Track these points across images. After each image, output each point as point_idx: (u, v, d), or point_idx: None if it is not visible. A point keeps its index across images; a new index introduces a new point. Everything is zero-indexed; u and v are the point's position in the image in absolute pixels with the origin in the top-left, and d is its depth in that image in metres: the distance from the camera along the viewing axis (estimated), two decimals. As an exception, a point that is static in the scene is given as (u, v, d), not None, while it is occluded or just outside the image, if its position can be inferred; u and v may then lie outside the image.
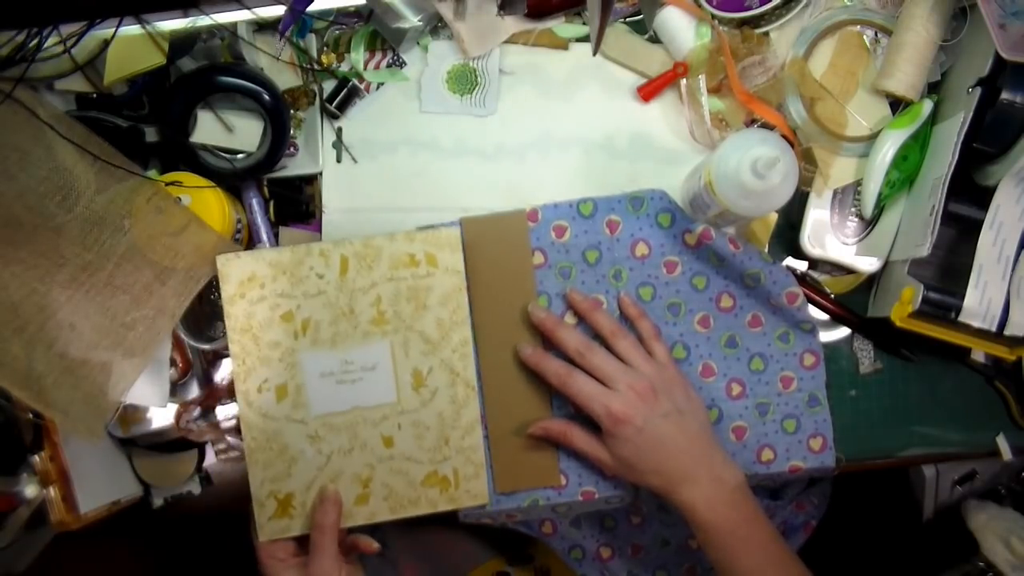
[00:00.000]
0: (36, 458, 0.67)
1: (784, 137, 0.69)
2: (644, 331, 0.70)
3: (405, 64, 0.75)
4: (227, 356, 0.74)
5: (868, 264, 0.73)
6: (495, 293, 0.71)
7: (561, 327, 0.69)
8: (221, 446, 0.77)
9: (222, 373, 0.74)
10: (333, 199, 0.75)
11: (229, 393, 0.75)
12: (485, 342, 0.71)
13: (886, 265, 0.73)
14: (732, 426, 0.73)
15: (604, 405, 0.64)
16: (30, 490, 0.68)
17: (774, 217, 0.74)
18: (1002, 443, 0.76)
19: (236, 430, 0.76)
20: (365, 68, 0.75)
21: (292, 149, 0.75)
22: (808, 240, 0.73)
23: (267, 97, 0.70)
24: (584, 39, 0.75)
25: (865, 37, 0.72)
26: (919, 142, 0.69)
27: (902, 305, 0.66)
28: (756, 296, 0.73)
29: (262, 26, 0.73)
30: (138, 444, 0.77)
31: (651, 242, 0.72)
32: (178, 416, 0.74)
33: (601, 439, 0.67)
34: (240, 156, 0.72)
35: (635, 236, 0.72)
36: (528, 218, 0.72)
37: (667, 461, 0.65)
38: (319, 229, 0.75)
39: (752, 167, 0.60)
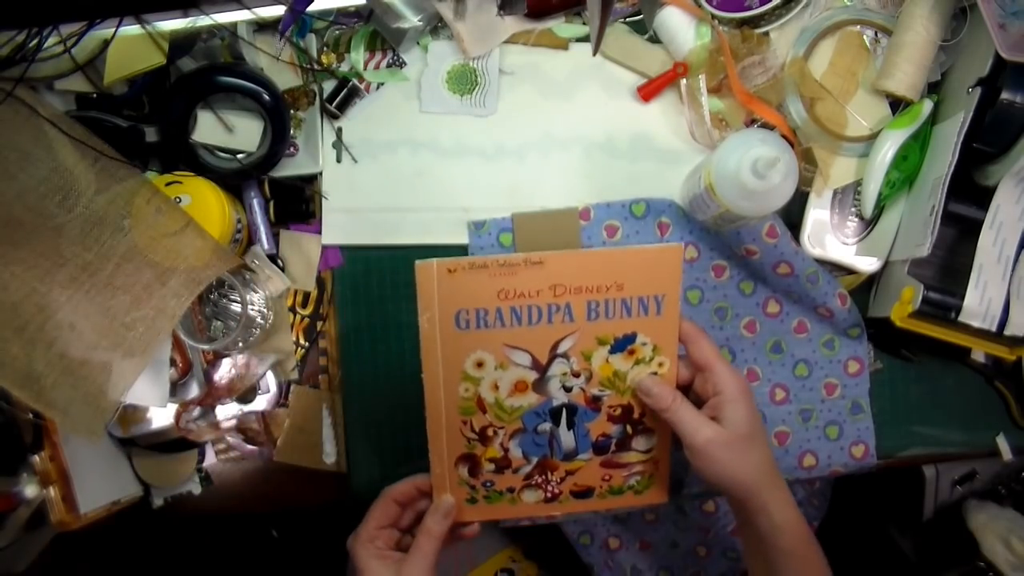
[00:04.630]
0: (36, 458, 0.67)
1: (784, 137, 0.69)
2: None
3: (405, 64, 0.75)
4: (227, 356, 0.74)
5: (868, 264, 0.73)
6: None
7: None
8: (221, 446, 0.77)
9: (222, 373, 0.74)
10: (333, 199, 0.75)
11: (229, 393, 0.75)
12: None
13: (886, 265, 0.73)
14: (775, 431, 0.74)
15: (736, 369, 0.60)
16: (30, 490, 0.68)
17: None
18: (1002, 443, 0.76)
19: (236, 430, 0.76)
20: (365, 68, 0.75)
21: (292, 149, 0.75)
22: (808, 240, 0.73)
23: (267, 97, 0.70)
24: (584, 39, 0.75)
25: (865, 37, 0.72)
26: (919, 142, 0.69)
27: (902, 305, 0.66)
28: (802, 303, 0.73)
29: (262, 26, 0.73)
30: (138, 444, 0.77)
31: (700, 246, 0.73)
32: (178, 416, 0.74)
33: (704, 410, 0.61)
34: (240, 156, 0.72)
35: (684, 239, 0.73)
36: (580, 216, 0.73)
37: (767, 450, 0.61)
38: (319, 229, 0.75)
39: (752, 167, 0.60)
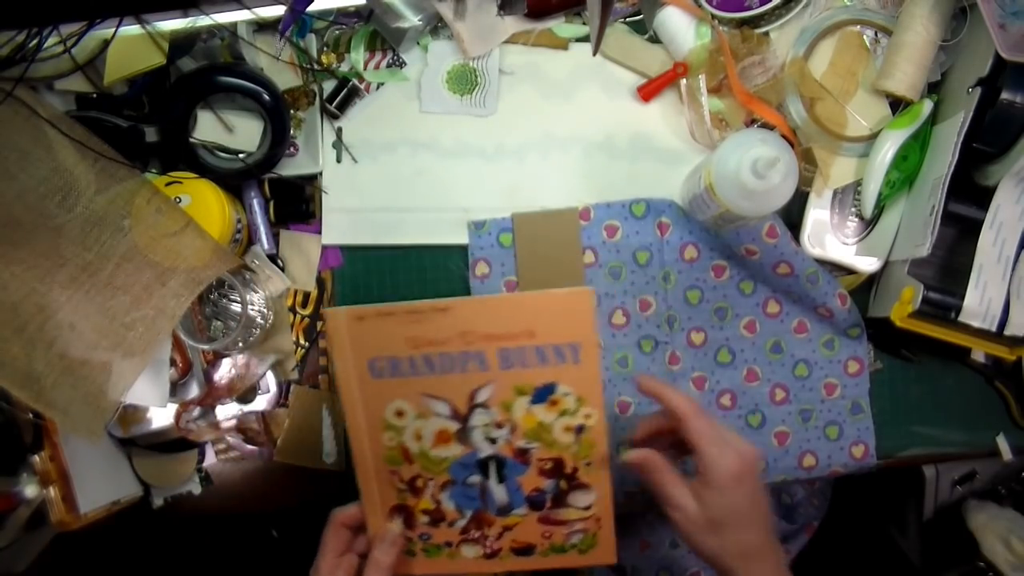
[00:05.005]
0: (36, 458, 0.67)
1: (784, 137, 0.69)
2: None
3: (405, 64, 0.75)
4: (227, 356, 0.74)
5: (868, 264, 0.73)
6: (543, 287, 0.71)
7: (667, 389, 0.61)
8: (221, 446, 0.77)
9: (222, 373, 0.74)
10: (333, 199, 0.75)
11: (229, 393, 0.75)
12: None
13: (886, 265, 0.73)
14: (775, 431, 0.74)
15: (737, 448, 0.56)
16: (30, 490, 0.68)
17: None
18: (1002, 443, 0.76)
19: (236, 430, 0.76)
20: (365, 68, 0.75)
21: (292, 149, 0.75)
22: (808, 240, 0.73)
23: (267, 97, 0.70)
24: (584, 39, 0.75)
25: (865, 37, 0.72)
26: (919, 142, 0.69)
27: (902, 305, 0.66)
28: (802, 303, 0.73)
29: (262, 26, 0.73)
30: (138, 444, 0.77)
31: (700, 246, 0.73)
32: (178, 416, 0.74)
33: (692, 484, 0.58)
34: (240, 156, 0.72)
35: (684, 239, 0.73)
36: (580, 216, 0.73)
37: (765, 524, 0.58)
38: (319, 229, 0.75)
39: (752, 167, 0.60)
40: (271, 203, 0.75)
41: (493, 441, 0.63)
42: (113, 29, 0.66)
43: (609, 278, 0.73)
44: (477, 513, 0.65)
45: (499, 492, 0.64)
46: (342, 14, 0.74)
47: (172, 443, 0.77)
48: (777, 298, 0.74)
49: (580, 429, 0.62)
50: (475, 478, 0.64)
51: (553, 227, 0.73)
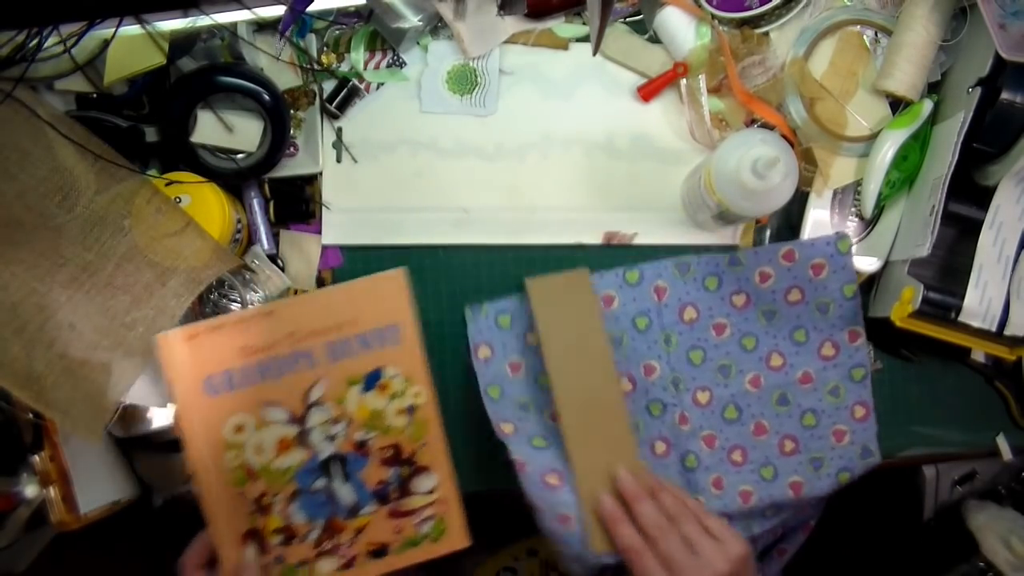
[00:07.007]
0: (36, 458, 0.67)
1: (784, 137, 0.70)
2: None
3: (405, 64, 0.75)
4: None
5: (868, 264, 0.73)
6: (568, 350, 0.69)
7: (641, 501, 0.65)
8: (221, 446, 0.77)
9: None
10: (333, 199, 0.75)
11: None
12: (564, 396, 0.69)
13: (886, 265, 0.73)
14: (789, 482, 0.73)
15: None
16: (30, 490, 0.68)
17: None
18: (1002, 443, 0.76)
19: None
20: (365, 68, 0.75)
21: (292, 149, 0.75)
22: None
23: (267, 97, 0.70)
24: (584, 39, 0.75)
25: (865, 37, 0.72)
26: (919, 142, 0.69)
27: (902, 305, 0.67)
28: (805, 352, 0.73)
29: (262, 26, 0.73)
30: (138, 444, 0.76)
31: (699, 306, 0.73)
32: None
33: None
34: (240, 156, 0.72)
35: (683, 301, 0.73)
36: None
37: None
38: (319, 229, 0.75)
39: (752, 167, 0.60)
40: (271, 203, 0.75)
41: (332, 439, 0.64)
42: (113, 29, 0.66)
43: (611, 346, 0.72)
44: (328, 521, 0.65)
45: (345, 492, 0.65)
46: (342, 14, 0.74)
47: (172, 443, 0.76)
48: (780, 351, 0.74)
49: (412, 409, 0.64)
50: (320, 482, 0.65)
51: (565, 288, 0.71)
